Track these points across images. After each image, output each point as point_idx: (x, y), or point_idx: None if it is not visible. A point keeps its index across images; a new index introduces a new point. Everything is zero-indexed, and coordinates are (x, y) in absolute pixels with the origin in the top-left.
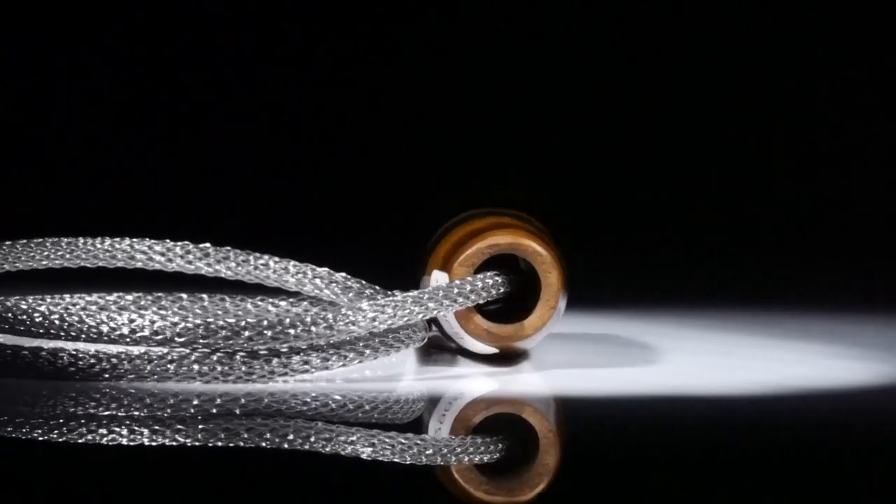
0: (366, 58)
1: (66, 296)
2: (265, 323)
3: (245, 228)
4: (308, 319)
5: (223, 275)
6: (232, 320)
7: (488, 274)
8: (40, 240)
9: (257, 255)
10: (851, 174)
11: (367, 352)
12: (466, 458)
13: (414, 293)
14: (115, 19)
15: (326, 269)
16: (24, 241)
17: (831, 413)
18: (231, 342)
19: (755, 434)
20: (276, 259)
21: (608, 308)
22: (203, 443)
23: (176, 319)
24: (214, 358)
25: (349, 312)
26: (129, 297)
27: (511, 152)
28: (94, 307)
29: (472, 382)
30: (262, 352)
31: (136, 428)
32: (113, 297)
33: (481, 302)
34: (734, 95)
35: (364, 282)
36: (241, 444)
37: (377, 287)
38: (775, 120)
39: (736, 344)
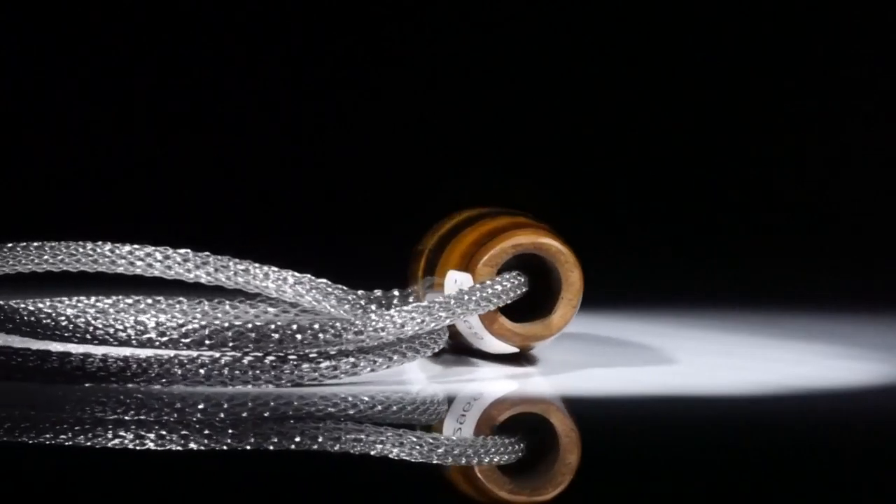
0: (365, 57)
1: (84, 298)
2: (316, 326)
3: (239, 228)
4: (359, 323)
5: (221, 283)
6: (282, 324)
7: (513, 274)
8: (38, 243)
9: (254, 263)
10: (852, 174)
11: (409, 353)
12: (493, 459)
13: (454, 295)
14: (115, 19)
15: (325, 280)
16: (24, 243)
17: (831, 413)
18: (283, 346)
19: (755, 434)
20: (275, 269)
21: (608, 308)
22: (256, 446)
23: (226, 323)
24: (267, 361)
25: (396, 316)
26: (149, 301)
27: (510, 152)
28: (112, 310)
29: (487, 383)
30: (311, 355)
31: (186, 434)
32: (130, 300)
33: (509, 302)
34: (734, 95)
35: (361, 292)
36: (293, 447)
37: (376, 293)
38: (775, 120)
39: (736, 344)
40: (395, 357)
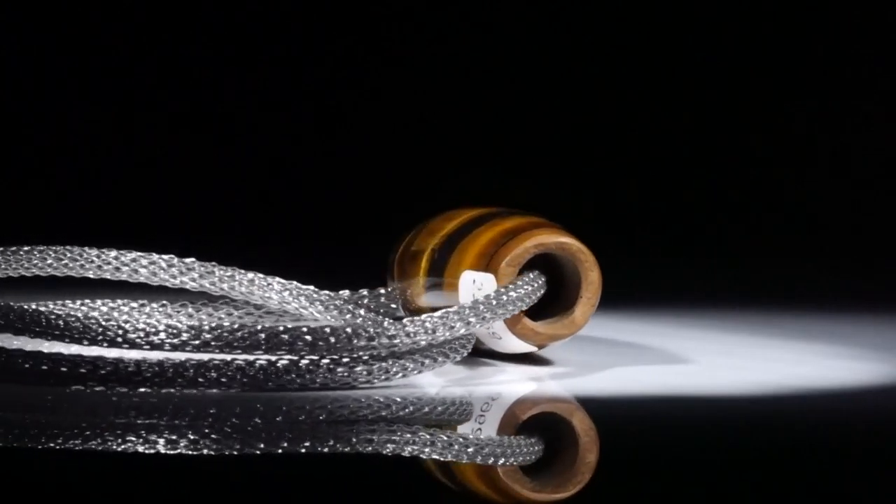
0: (365, 57)
1: (109, 301)
2: (370, 331)
3: (238, 229)
4: (409, 327)
5: (206, 289)
6: (337, 325)
7: (536, 274)
8: (28, 248)
9: (238, 269)
10: (851, 174)
11: (452, 355)
12: (517, 459)
13: (494, 296)
14: (115, 19)
15: (295, 282)
16: (14, 248)
17: (831, 413)
18: (340, 348)
19: (755, 434)
20: (262, 276)
21: (609, 308)
22: (312, 449)
23: (280, 327)
24: (323, 364)
25: (447, 318)
26: (175, 305)
27: (511, 152)
28: (137, 314)
29: (502, 384)
30: (363, 358)
31: (247, 439)
32: (156, 304)
33: (535, 303)
34: (734, 95)
35: (329, 293)
36: (349, 449)
37: (342, 294)
38: (775, 120)
39: (736, 344)
40: (440, 358)
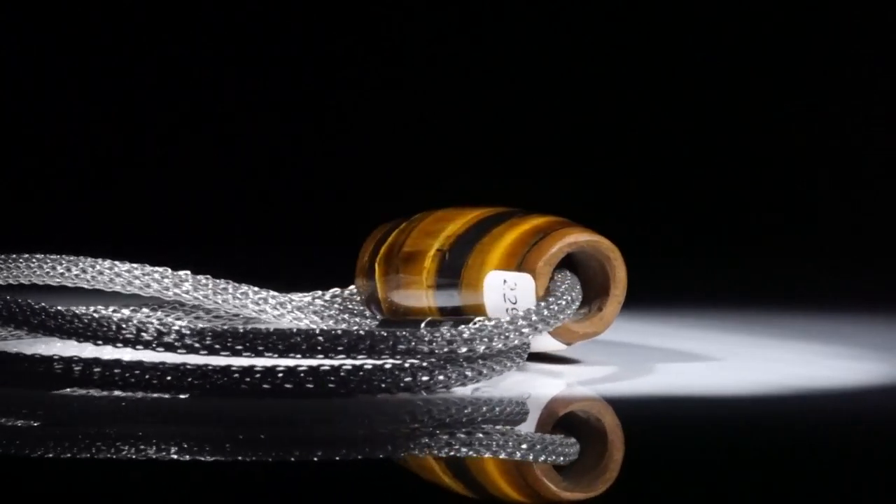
0: (366, 58)
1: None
2: (438, 337)
3: (237, 228)
4: (475, 332)
5: (201, 302)
6: (396, 330)
7: (570, 274)
8: (27, 255)
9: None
10: (852, 174)
11: (509, 363)
12: (557, 458)
13: (557, 298)
14: (113, 19)
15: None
16: (27, 255)
17: (831, 413)
18: (403, 350)
19: (756, 434)
20: (256, 289)
21: None
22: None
23: (339, 330)
24: (386, 368)
25: (511, 327)
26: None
27: (510, 152)
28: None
29: (532, 386)
30: (426, 363)
31: (308, 445)
32: (158, 310)
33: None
34: (734, 95)
35: (292, 296)
36: (404, 454)
37: (294, 297)
38: (775, 120)
39: (736, 344)
40: (497, 367)
